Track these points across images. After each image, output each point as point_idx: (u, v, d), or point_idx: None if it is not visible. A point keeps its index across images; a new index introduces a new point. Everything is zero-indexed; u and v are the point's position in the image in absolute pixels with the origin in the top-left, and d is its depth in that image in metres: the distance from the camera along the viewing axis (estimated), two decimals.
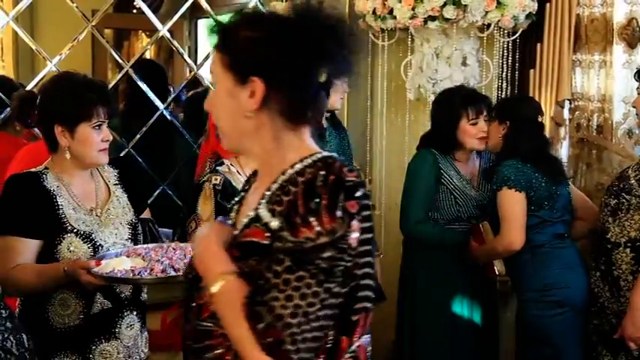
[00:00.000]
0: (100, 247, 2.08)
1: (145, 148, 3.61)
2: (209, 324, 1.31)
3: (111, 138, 2.13)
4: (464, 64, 3.34)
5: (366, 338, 1.30)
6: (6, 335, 1.54)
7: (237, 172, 2.32)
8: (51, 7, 4.76)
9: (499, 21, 3.17)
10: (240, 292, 1.22)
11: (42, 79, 3.39)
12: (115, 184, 2.24)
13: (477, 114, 2.86)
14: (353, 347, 1.26)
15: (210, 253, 1.31)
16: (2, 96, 3.32)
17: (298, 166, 1.26)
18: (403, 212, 2.94)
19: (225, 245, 1.31)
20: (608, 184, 2.80)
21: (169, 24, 3.62)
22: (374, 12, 3.35)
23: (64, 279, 1.97)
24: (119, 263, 1.96)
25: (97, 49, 5.05)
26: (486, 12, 3.14)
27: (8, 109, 3.14)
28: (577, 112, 3.41)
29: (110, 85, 3.52)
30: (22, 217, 2.04)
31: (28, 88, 3.34)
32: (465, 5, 3.11)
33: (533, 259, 2.73)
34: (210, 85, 3.74)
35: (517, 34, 3.34)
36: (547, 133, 3.12)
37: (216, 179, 2.30)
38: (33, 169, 2.12)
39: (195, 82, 4.02)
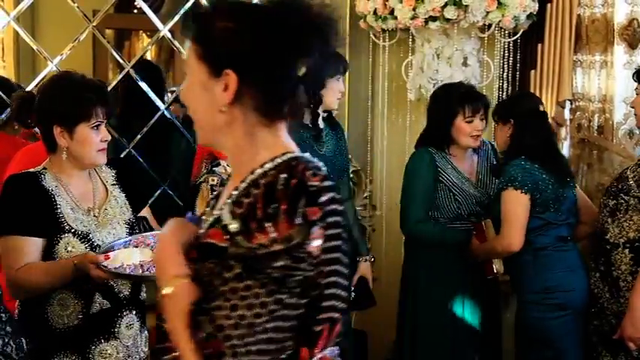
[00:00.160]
0: (98, 247, 2.07)
1: (145, 148, 3.61)
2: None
3: (109, 138, 2.13)
4: (465, 64, 3.34)
5: (332, 350, 1.22)
6: (6, 340, 1.54)
7: None
8: (52, 8, 4.76)
9: (500, 21, 3.17)
10: (187, 298, 1.18)
11: (43, 79, 3.40)
12: (113, 184, 2.24)
13: (474, 112, 2.85)
14: (314, 359, 1.19)
15: (166, 254, 1.26)
16: (3, 95, 3.32)
17: (268, 166, 1.21)
18: (403, 212, 2.94)
19: (185, 245, 1.26)
20: (608, 184, 2.80)
21: (170, 24, 3.62)
22: (375, 12, 3.36)
23: (74, 274, 1.97)
24: (128, 257, 1.96)
25: (98, 49, 5.06)
26: (487, 12, 3.14)
27: (8, 109, 3.14)
28: (578, 113, 3.41)
29: (111, 86, 3.52)
30: (24, 216, 2.04)
31: (29, 88, 3.34)
32: (466, 5, 3.11)
33: (535, 261, 2.72)
34: None
35: (518, 35, 3.35)
36: None
37: (213, 180, 2.31)
38: (31, 170, 2.12)
39: None
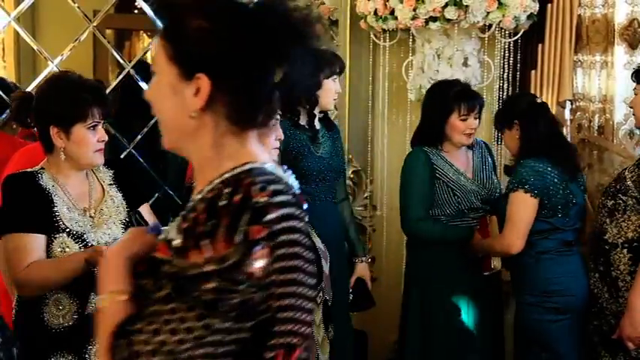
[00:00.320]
0: None
1: (145, 149, 3.61)
2: None
3: (107, 138, 2.13)
4: (465, 64, 3.34)
5: None
6: None
7: None
8: (52, 8, 4.77)
9: (500, 22, 3.17)
10: (117, 316, 1.09)
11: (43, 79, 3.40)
12: (110, 184, 2.24)
13: (469, 111, 2.85)
14: None
15: (110, 265, 1.18)
16: (2, 95, 3.32)
17: (227, 176, 1.09)
18: (403, 212, 2.94)
19: (137, 256, 1.17)
20: (607, 185, 2.81)
21: None
22: (375, 13, 3.35)
23: (85, 268, 1.97)
24: None
25: (99, 49, 5.06)
26: (487, 13, 3.14)
27: (8, 110, 3.15)
28: (578, 113, 3.41)
29: (112, 86, 3.52)
30: (24, 214, 2.05)
31: (30, 88, 3.35)
32: (467, 6, 3.11)
33: (537, 264, 2.71)
34: None
35: (518, 35, 3.34)
36: None
37: None
38: (29, 169, 2.12)
39: None
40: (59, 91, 2.09)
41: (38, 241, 2.03)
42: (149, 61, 4.87)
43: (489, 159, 3.05)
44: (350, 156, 3.76)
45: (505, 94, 3.39)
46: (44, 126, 2.08)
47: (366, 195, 3.87)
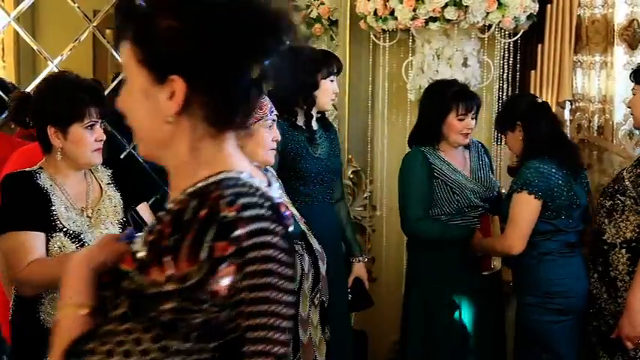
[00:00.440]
0: None
1: None
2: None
3: (104, 137, 2.13)
4: (465, 65, 3.34)
5: None
6: None
7: None
8: (52, 8, 4.77)
9: (500, 22, 3.17)
10: (72, 332, 1.03)
11: None
12: (108, 184, 2.24)
13: (467, 110, 2.86)
14: None
15: (73, 275, 1.11)
16: (2, 95, 3.32)
17: (199, 185, 1.03)
18: (402, 212, 2.94)
19: (104, 266, 1.11)
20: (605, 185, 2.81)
21: None
22: (375, 13, 3.36)
23: None
24: None
25: (98, 49, 5.06)
26: (487, 13, 3.14)
27: (6, 110, 3.15)
28: (578, 113, 3.41)
29: (111, 86, 3.52)
30: (23, 212, 2.05)
31: (29, 88, 3.35)
32: (466, 6, 3.11)
33: (539, 265, 2.71)
34: None
35: (518, 35, 3.35)
36: None
37: None
38: (27, 169, 2.13)
39: None
40: (56, 91, 2.09)
41: (38, 238, 2.03)
42: None
43: (486, 158, 3.06)
44: (350, 156, 3.77)
45: (505, 94, 3.39)
46: (42, 126, 2.08)
47: (365, 195, 3.87)
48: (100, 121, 2.11)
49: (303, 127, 2.81)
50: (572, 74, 3.36)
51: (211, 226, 0.96)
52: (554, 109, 3.32)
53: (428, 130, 2.92)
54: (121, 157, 3.46)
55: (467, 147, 3.00)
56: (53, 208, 2.07)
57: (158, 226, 0.99)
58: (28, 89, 3.17)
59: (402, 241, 3.37)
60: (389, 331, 3.64)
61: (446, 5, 3.12)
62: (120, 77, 3.65)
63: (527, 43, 3.41)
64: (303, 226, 2.36)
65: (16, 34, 4.59)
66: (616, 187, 2.61)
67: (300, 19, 3.87)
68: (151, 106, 1.06)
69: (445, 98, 2.86)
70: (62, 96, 2.06)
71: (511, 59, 3.38)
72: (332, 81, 2.80)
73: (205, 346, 0.99)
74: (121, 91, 1.11)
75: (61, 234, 2.06)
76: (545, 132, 2.73)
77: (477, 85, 3.36)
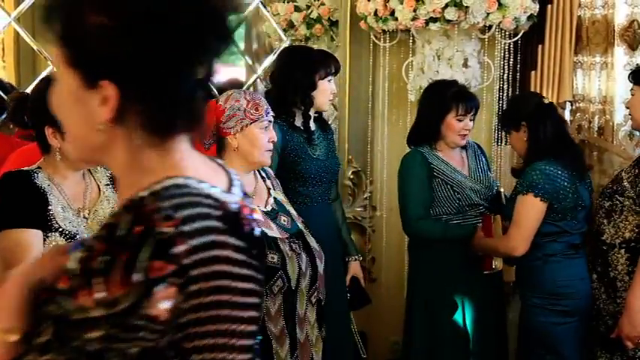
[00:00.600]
0: None
1: None
2: None
3: None
4: (465, 65, 3.34)
5: None
6: None
7: None
8: None
9: (500, 22, 3.17)
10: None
11: None
12: (107, 185, 2.23)
13: (466, 111, 2.86)
14: None
15: (6, 296, 0.98)
16: (2, 95, 3.32)
17: (140, 195, 0.91)
18: (402, 212, 2.94)
19: (43, 283, 0.96)
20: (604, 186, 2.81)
21: None
22: (375, 13, 3.35)
23: None
24: None
25: None
26: (488, 13, 3.14)
27: (5, 111, 3.14)
28: (578, 114, 3.41)
29: None
30: (21, 210, 2.04)
31: (29, 88, 3.35)
32: (467, 7, 3.11)
33: (544, 267, 2.70)
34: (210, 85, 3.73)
35: (518, 36, 3.35)
36: None
37: None
38: (25, 168, 2.12)
39: None
40: None
41: (35, 236, 2.02)
42: None
43: (482, 158, 3.06)
44: (350, 157, 3.77)
45: (505, 95, 3.39)
46: (40, 126, 2.07)
47: (365, 196, 3.87)
48: None
49: (301, 127, 2.81)
50: (573, 75, 3.36)
51: (146, 243, 0.84)
52: None
53: (427, 130, 2.93)
54: None
55: (463, 147, 3.00)
56: (50, 207, 2.07)
57: (92, 241, 0.88)
58: (28, 89, 3.18)
59: (402, 241, 3.37)
60: (389, 332, 3.64)
61: (446, 6, 3.12)
62: None
63: (528, 44, 3.40)
64: (301, 225, 2.36)
65: (16, 34, 4.58)
66: (615, 188, 2.61)
67: (301, 19, 3.88)
68: (82, 112, 0.95)
69: (445, 98, 2.86)
70: None
71: (511, 60, 3.38)
72: (330, 81, 2.80)
73: None
74: (52, 92, 1.01)
75: (57, 234, 2.05)
76: (550, 134, 2.71)
77: (478, 85, 3.36)
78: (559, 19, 3.29)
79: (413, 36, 3.44)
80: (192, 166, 0.97)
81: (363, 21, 3.49)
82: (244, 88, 3.60)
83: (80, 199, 2.15)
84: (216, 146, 2.30)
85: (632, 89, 2.70)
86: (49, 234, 2.04)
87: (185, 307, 0.86)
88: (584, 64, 3.36)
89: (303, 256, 2.27)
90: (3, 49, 5.27)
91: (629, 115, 2.75)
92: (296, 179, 2.75)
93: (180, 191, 0.90)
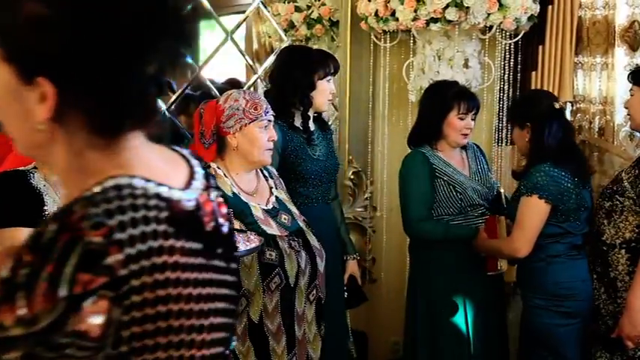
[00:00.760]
0: None
1: None
2: None
3: None
4: (465, 66, 3.34)
5: None
6: None
7: (224, 175, 2.29)
8: None
9: (501, 23, 3.17)
10: None
11: None
12: None
13: (467, 110, 2.87)
14: None
15: None
16: None
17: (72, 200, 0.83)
18: (404, 213, 2.94)
19: None
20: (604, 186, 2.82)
21: None
22: (376, 14, 3.35)
23: None
24: None
25: None
26: (488, 14, 3.14)
27: None
28: (578, 115, 3.41)
29: None
30: (15, 209, 2.03)
31: None
32: (467, 7, 3.11)
33: (548, 268, 2.70)
34: (210, 86, 3.74)
35: (519, 37, 3.34)
36: None
37: None
38: (21, 168, 2.12)
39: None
40: None
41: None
42: None
43: (482, 159, 3.06)
44: (350, 157, 3.76)
45: (506, 95, 3.39)
46: None
47: (366, 196, 3.86)
48: None
49: (301, 128, 2.81)
50: (573, 75, 3.36)
51: (72, 254, 0.77)
52: None
53: (428, 130, 2.93)
54: None
55: (463, 148, 3.01)
56: (45, 207, 2.06)
57: (22, 249, 0.81)
58: None
59: (403, 242, 3.36)
60: (389, 332, 3.64)
61: (447, 6, 3.12)
62: None
63: (528, 45, 3.40)
64: (302, 224, 2.36)
65: None
66: (615, 188, 2.61)
67: (301, 19, 3.88)
68: (20, 109, 0.87)
69: (446, 97, 2.87)
70: None
71: (512, 60, 3.38)
72: (329, 81, 2.80)
73: None
74: None
75: None
76: (553, 140, 2.69)
77: (478, 86, 3.36)
78: (560, 20, 3.29)
79: (413, 36, 3.44)
80: (143, 163, 0.90)
81: (363, 21, 3.49)
82: (244, 88, 3.60)
83: None
84: (217, 146, 2.30)
85: (631, 90, 2.70)
86: None
87: (126, 320, 0.79)
88: (584, 64, 3.36)
89: (303, 253, 2.27)
90: None
91: (628, 115, 2.75)
92: (296, 180, 2.75)
93: (119, 193, 0.82)
